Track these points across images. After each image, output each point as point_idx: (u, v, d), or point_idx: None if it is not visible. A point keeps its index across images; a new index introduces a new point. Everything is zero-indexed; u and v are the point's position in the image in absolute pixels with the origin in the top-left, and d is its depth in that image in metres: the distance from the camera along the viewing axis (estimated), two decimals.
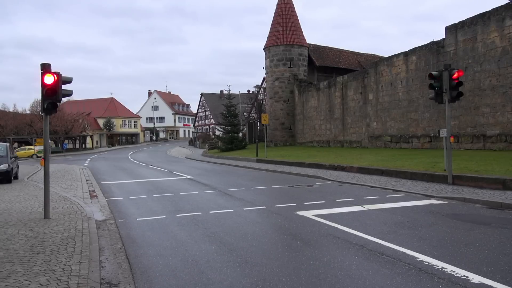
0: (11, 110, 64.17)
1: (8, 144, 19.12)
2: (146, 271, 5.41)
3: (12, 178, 17.29)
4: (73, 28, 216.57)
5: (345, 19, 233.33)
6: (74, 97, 71.07)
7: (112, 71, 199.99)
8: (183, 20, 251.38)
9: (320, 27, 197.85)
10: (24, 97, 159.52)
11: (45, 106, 8.77)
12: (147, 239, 7.21)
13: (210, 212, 9.41)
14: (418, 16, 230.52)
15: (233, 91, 44.82)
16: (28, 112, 62.46)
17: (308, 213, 8.75)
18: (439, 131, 13.41)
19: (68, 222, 8.38)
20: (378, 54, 44.64)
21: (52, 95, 8.77)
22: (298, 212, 8.93)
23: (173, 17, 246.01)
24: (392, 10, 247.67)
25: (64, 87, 9.06)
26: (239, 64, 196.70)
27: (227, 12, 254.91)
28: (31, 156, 50.66)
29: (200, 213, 9.35)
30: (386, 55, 40.54)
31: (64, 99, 57.16)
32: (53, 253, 6.06)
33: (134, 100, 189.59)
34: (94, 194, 13.37)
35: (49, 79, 8.68)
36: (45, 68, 8.76)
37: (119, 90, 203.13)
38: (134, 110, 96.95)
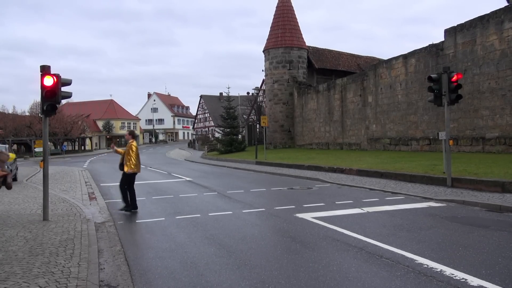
0: (10, 112, 64.15)
1: (7, 145, 19.13)
2: (145, 273, 5.41)
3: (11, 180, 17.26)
4: (63, 30, 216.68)
5: (334, 22, 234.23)
6: (73, 99, 71.18)
7: (106, 73, 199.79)
8: (173, 23, 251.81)
9: (310, 30, 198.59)
10: (20, 99, 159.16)
11: (45, 108, 8.76)
12: (146, 241, 7.20)
13: (209, 214, 9.41)
14: (408, 19, 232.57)
15: (230, 93, 44.75)
16: (27, 114, 62.47)
17: (307, 216, 8.75)
18: (438, 133, 13.42)
19: (67, 224, 8.38)
20: (377, 57, 44.73)
21: (52, 97, 8.77)
22: (297, 215, 8.93)
23: (163, 19, 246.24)
24: (381, 13, 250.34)
25: (63, 89, 9.07)
26: (233, 66, 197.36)
27: (217, 14, 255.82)
28: None
29: (199, 215, 9.34)
30: (379, 58, 40.78)
31: (64, 101, 57.21)
32: (52, 255, 6.05)
33: (130, 103, 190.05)
34: (93, 196, 13.35)
35: (49, 81, 8.68)
36: (45, 70, 8.76)
37: (115, 92, 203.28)
38: (131, 112, 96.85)
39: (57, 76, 8.80)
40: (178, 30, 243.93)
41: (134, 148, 10.25)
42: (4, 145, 19.16)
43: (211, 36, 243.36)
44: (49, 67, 8.86)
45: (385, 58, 27.36)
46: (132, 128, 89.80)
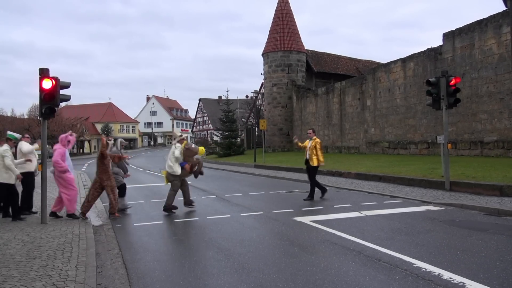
0: (9, 114, 64.04)
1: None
2: (142, 277, 5.39)
3: None
4: (51, 33, 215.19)
5: (320, 26, 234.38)
6: (72, 102, 71.11)
7: (98, 76, 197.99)
8: (160, 26, 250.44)
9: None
10: (13, 102, 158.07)
11: (43, 111, 8.75)
12: (144, 245, 7.19)
13: (208, 217, 9.40)
14: (394, 23, 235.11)
15: (228, 96, 44.81)
16: (26, 116, 62.39)
17: (306, 219, 8.74)
18: (436, 137, 13.44)
19: (65, 227, 8.36)
20: (376, 61, 44.82)
21: (50, 100, 8.76)
22: (296, 218, 8.92)
23: (150, 23, 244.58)
24: (367, 17, 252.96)
25: (62, 92, 9.06)
26: (224, 70, 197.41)
27: (203, 18, 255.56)
28: None
29: (197, 218, 9.33)
30: (378, 62, 40.88)
31: (62, 104, 56.64)
32: (50, 258, 6.04)
33: (126, 105, 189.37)
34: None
35: (47, 84, 8.67)
36: (44, 73, 8.75)
37: (108, 95, 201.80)
38: (129, 115, 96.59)
39: (56, 79, 8.80)
40: (166, 34, 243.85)
41: (319, 144, 11.70)
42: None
43: (199, 40, 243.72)
44: (47, 70, 8.86)
45: (376, 61, 27.43)
46: (131, 131, 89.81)
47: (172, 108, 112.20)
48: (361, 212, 9.48)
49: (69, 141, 10.01)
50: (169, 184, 10.70)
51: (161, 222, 9.05)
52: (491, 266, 5.34)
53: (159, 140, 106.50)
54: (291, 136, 39.28)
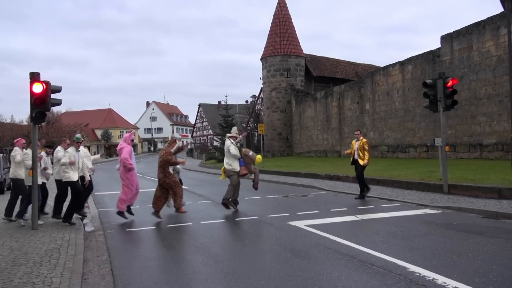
0: (8, 121, 63.98)
1: (1, 155, 18.95)
2: (129, 284, 5.24)
3: (5, 189, 17.14)
4: (47, 40, 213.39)
5: (315, 31, 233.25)
6: (71, 108, 71.20)
7: (95, 82, 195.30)
8: (156, 33, 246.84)
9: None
10: (13, 109, 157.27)
11: (33, 115, 8.64)
12: (134, 251, 7.06)
13: (201, 222, 9.24)
14: (389, 28, 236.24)
15: (227, 101, 44.74)
16: (25, 123, 62.33)
17: (301, 223, 8.59)
18: (434, 140, 13.30)
19: (56, 233, 8.22)
20: (374, 64, 44.76)
21: (41, 104, 8.65)
22: (290, 222, 8.77)
23: (145, 29, 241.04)
24: (361, 22, 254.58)
25: (53, 96, 8.95)
26: (222, 76, 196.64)
27: (198, 24, 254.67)
28: None
29: (190, 223, 9.18)
30: (377, 65, 40.82)
31: (62, 110, 56.39)
32: (36, 265, 5.90)
33: (125, 112, 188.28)
34: (86, 204, 13.13)
35: (38, 88, 8.57)
36: (34, 77, 8.65)
37: (107, 101, 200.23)
38: (129, 121, 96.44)
39: (47, 83, 8.70)
40: (162, 40, 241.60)
41: (367, 144, 12.13)
42: (2, 154, 19.05)
43: (195, 46, 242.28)
44: (38, 74, 8.75)
45: (375, 65, 27.36)
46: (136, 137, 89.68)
47: (172, 113, 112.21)
48: (357, 216, 9.33)
49: (132, 140, 10.29)
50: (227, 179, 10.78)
51: (154, 227, 8.90)
52: (487, 270, 5.19)
53: (159, 145, 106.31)
54: (290, 141, 39.17)
